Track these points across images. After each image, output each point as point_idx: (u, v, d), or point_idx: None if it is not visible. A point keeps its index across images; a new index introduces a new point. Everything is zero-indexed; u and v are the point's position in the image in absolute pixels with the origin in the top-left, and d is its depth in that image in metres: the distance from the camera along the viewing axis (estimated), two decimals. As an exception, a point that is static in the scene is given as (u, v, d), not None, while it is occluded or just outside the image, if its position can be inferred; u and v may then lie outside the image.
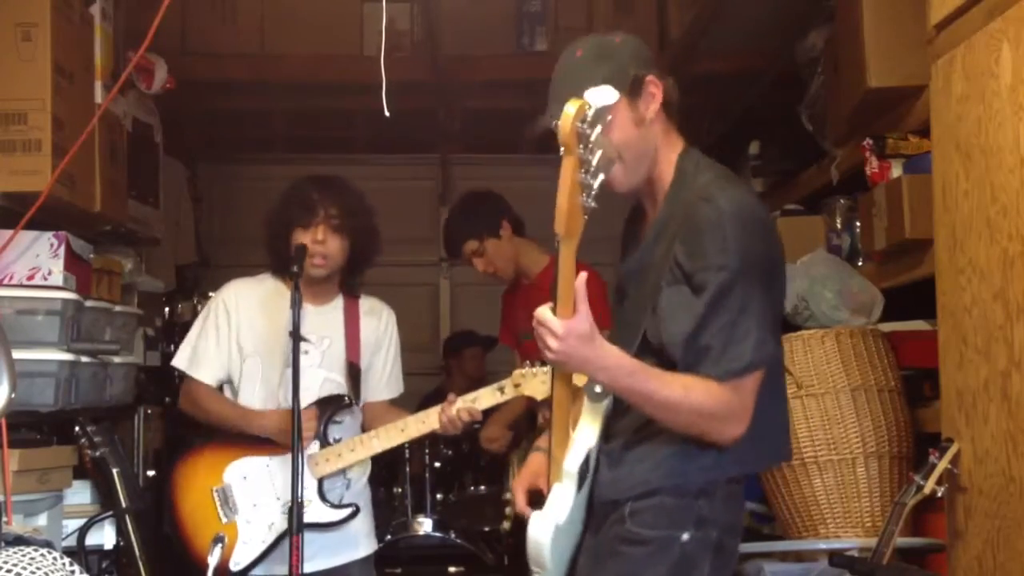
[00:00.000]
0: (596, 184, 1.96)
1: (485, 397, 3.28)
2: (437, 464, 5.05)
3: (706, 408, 2.14)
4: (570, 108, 1.93)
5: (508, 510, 4.41)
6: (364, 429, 3.42)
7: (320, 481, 3.29)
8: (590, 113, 1.92)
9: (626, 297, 2.39)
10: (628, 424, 2.26)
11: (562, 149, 1.94)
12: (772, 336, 2.20)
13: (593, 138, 1.93)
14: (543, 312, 2.09)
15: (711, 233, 2.14)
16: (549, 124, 2.11)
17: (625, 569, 2.20)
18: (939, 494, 2.73)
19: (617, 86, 2.15)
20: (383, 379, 3.50)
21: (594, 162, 1.94)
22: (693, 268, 2.15)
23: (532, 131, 2.31)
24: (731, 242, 2.12)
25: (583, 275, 2.04)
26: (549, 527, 2.17)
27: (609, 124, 2.14)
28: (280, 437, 3.25)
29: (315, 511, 3.22)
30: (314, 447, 3.29)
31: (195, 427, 3.51)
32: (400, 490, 5.00)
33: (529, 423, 4.33)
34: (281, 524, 3.26)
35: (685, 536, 2.19)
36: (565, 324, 2.06)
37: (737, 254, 2.12)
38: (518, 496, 2.42)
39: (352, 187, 3.42)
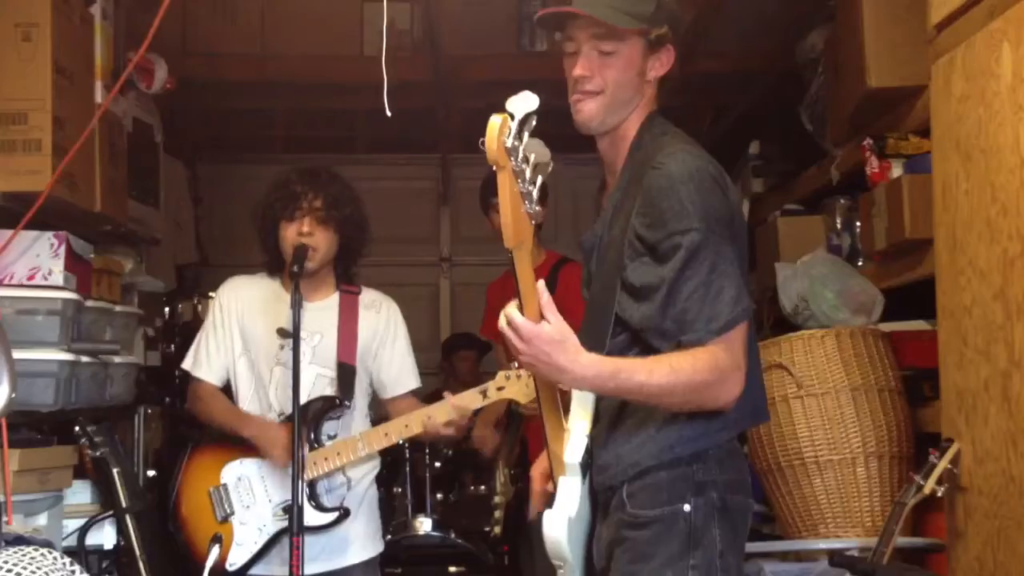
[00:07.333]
0: (535, 191, 1.98)
1: (466, 401, 3.25)
2: (437, 464, 5.05)
3: (698, 380, 2.10)
4: (495, 121, 1.93)
5: (497, 513, 4.41)
6: None
7: (311, 485, 3.23)
8: (513, 125, 1.93)
9: (592, 276, 2.37)
10: (610, 403, 2.24)
11: (494, 167, 1.94)
12: (745, 289, 2.18)
13: (523, 147, 1.94)
14: (513, 312, 2.05)
15: (666, 200, 2.13)
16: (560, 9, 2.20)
17: (637, 553, 2.18)
18: (939, 494, 2.73)
19: (649, 27, 2.23)
20: (398, 372, 3.42)
21: (528, 171, 1.95)
22: (655, 238, 2.14)
23: (540, 11, 2.30)
24: (687, 204, 2.12)
25: (541, 282, 2.04)
26: (563, 522, 2.18)
27: (616, 56, 2.24)
28: (261, 443, 3.23)
29: (305, 514, 3.14)
30: (303, 450, 3.26)
31: (195, 427, 3.51)
32: (400, 490, 5.00)
33: (511, 426, 4.33)
34: (272, 526, 3.26)
35: (687, 507, 2.17)
36: (532, 328, 2.03)
37: (696, 215, 2.12)
38: (536, 483, 2.40)
39: (338, 177, 3.35)
